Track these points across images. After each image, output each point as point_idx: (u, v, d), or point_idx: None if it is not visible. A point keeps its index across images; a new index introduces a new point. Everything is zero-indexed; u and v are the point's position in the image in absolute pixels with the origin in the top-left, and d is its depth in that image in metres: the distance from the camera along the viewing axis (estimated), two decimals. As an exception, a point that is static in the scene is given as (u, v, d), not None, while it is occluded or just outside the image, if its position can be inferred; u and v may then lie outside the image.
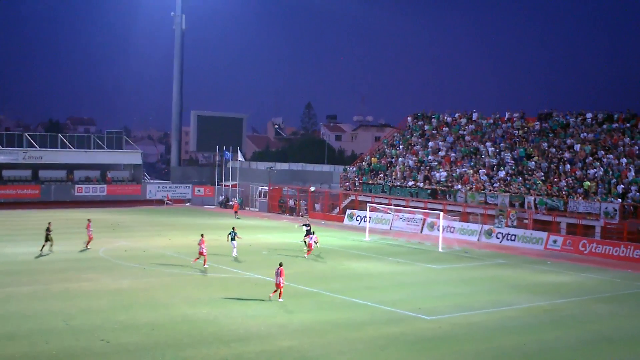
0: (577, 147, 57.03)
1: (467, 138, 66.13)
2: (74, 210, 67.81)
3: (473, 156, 62.81)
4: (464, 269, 41.13)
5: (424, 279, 37.41)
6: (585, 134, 58.26)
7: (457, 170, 61.36)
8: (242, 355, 22.15)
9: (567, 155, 56.70)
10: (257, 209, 75.53)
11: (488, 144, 63.31)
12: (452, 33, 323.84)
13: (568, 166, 55.27)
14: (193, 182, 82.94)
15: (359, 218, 62.72)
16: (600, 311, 30.74)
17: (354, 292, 32.54)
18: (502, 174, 58.04)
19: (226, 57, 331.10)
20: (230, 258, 40.54)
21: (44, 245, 41.02)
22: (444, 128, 69.88)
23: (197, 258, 37.84)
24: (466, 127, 68.01)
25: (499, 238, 53.18)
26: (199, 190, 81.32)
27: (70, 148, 77.50)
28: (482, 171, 59.43)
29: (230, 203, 73.92)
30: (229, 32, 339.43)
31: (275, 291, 30.07)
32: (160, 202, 78.21)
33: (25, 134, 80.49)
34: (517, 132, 63.28)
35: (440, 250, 47.99)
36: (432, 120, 72.47)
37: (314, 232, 44.77)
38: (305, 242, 44.63)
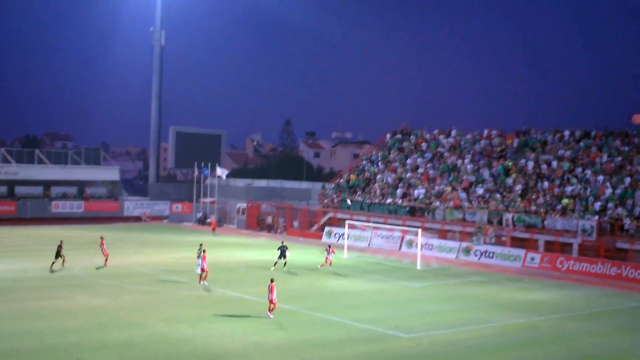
0: (555, 163, 57.37)
1: (446, 154, 66.36)
2: (51, 227, 67.23)
3: (451, 173, 62.99)
4: (442, 287, 41.10)
5: (402, 297, 37.32)
6: (562, 151, 58.62)
7: (436, 187, 61.51)
8: (218, 375, 21.96)
9: (545, 172, 57.01)
10: (235, 226, 75.23)
11: (467, 160, 63.56)
12: (431, 51, 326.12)
13: (546, 183, 55.58)
14: (171, 198, 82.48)
15: (337, 235, 62.63)
16: (578, 329, 30.79)
17: (332, 310, 32.41)
18: (480, 190, 58.25)
19: (205, 74, 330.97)
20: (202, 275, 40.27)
21: (54, 262, 41.37)
22: (422, 144, 70.07)
23: (201, 276, 37.66)
24: (444, 144, 68.24)
25: (477, 255, 53.27)
26: (176, 207, 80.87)
27: (47, 164, 76.95)
28: (460, 188, 59.63)
29: (208, 220, 73.61)
30: (208, 49, 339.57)
31: (272, 309, 29.99)
32: (138, 218, 77.74)
33: (2, 149, 79.92)
34: (495, 148, 63.57)
35: (418, 267, 47.97)
36: (411, 137, 72.69)
37: (329, 246, 46.44)
38: (278, 262, 44.09)
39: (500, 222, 54.22)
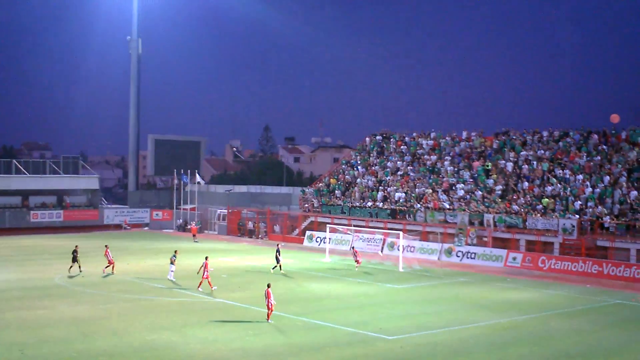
0: (535, 163, 57.61)
1: (426, 157, 66.47)
2: (30, 236, 66.67)
3: (432, 175, 63.10)
4: (425, 288, 41.14)
5: (385, 299, 37.29)
6: (542, 151, 58.87)
7: (416, 189, 61.60)
8: (203, 381, 21.81)
9: (525, 172, 57.25)
10: (216, 232, 74.96)
11: (447, 162, 63.70)
12: (409, 54, 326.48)
13: (526, 184, 55.80)
14: (151, 206, 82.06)
15: (318, 239, 62.55)
16: (560, 327, 30.91)
17: (315, 314, 32.34)
18: (461, 192, 58.39)
19: (183, 81, 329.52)
20: (189, 282, 40.07)
21: (71, 266, 42.62)
22: (402, 146, 70.18)
23: (210, 283, 37.59)
24: (424, 146, 68.36)
25: (459, 256, 53.38)
26: (157, 214, 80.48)
27: (25, 174, 76.25)
28: (440, 190, 59.76)
29: (189, 227, 73.31)
30: (185, 56, 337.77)
31: (269, 314, 29.98)
32: (118, 226, 77.30)
33: (-21, 160, 79.06)
34: (475, 150, 63.76)
35: (400, 269, 47.98)
36: (391, 140, 72.78)
37: (353, 247, 48.46)
38: (279, 266, 45.04)
39: (481, 223, 54.36)
